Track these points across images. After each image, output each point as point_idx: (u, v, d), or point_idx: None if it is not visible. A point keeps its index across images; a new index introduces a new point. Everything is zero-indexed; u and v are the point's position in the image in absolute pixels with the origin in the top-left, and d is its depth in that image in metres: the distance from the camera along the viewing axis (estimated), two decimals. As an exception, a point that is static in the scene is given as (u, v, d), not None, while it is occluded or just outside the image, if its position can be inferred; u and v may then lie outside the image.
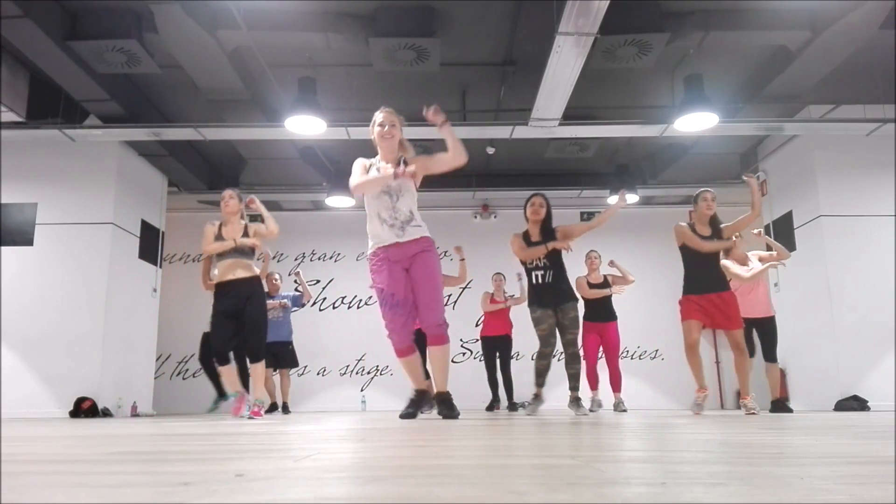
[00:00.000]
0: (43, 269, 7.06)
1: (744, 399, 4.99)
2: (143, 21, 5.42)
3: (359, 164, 3.89)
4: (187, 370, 9.28)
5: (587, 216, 9.89)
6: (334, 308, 9.67)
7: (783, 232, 7.87)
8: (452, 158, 3.81)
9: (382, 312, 3.79)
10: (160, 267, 8.39)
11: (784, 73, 6.13)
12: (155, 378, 8.38)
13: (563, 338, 4.90)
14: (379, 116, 3.94)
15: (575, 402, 4.96)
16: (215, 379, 6.65)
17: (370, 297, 9.45)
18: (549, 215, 5.05)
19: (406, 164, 3.83)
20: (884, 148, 7.08)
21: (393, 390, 9.12)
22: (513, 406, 7.41)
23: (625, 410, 6.49)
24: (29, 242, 7.11)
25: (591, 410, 6.53)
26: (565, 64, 5.27)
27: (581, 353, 5.03)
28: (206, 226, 4.99)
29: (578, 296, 6.58)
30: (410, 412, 3.93)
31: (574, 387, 4.96)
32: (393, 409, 8.92)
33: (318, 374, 9.34)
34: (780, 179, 8.00)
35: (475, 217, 9.83)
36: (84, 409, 6.52)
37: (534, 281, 4.94)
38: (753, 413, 4.87)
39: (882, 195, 7.10)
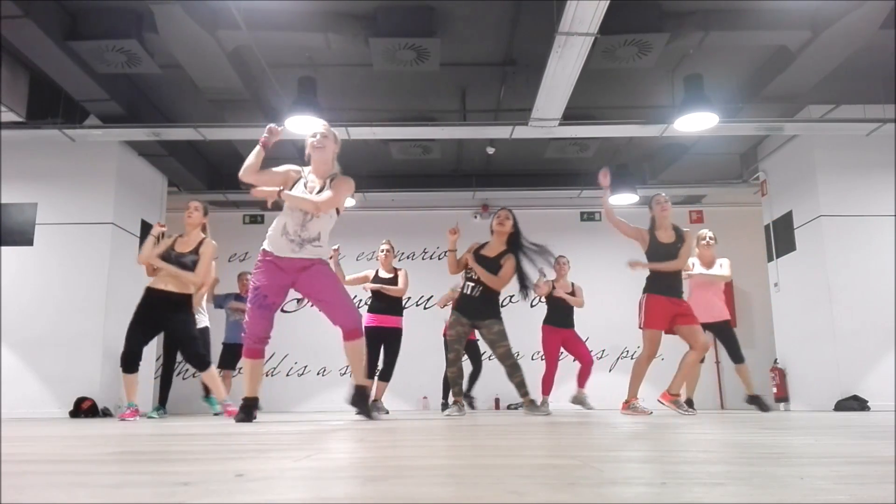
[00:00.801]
0: (43, 269, 7.06)
1: (674, 396, 4.99)
2: (143, 21, 5.42)
3: (285, 167, 3.87)
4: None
5: (587, 216, 9.91)
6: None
7: (783, 232, 7.87)
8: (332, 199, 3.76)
9: (248, 311, 3.73)
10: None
11: (784, 73, 6.13)
12: (155, 378, 8.37)
13: (495, 353, 4.92)
14: (316, 127, 3.96)
15: (531, 405, 4.95)
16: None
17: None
18: (515, 234, 5.06)
19: (332, 182, 3.79)
20: (884, 148, 7.08)
21: (393, 390, 9.10)
22: (469, 402, 7.52)
23: (591, 407, 6.60)
24: (29, 242, 7.11)
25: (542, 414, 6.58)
26: (565, 64, 5.27)
27: (516, 360, 4.95)
28: (151, 235, 5.04)
29: (541, 297, 6.70)
30: (242, 418, 3.73)
31: (524, 393, 4.95)
32: (393, 409, 8.92)
33: (318, 374, 9.34)
34: (780, 179, 8.00)
35: (475, 217, 9.83)
36: (84, 409, 6.52)
37: (464, 289, 5.01)
38: (684, 413, 4.90)
39: (882, 195, 7.10)
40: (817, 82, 6.33)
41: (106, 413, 6.70)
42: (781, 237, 7.91)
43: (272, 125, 3.84)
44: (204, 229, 5.16)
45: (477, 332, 5.19)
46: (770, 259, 8.18)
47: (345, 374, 9.41)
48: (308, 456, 1.40)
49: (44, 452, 1.64)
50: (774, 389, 7.83)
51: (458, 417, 4.74)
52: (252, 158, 3.80)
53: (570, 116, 6.46)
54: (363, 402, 3.91)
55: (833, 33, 5.50)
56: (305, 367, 9.09)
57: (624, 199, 8.86)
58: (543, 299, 6.92)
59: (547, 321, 6.71)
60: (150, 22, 5.35)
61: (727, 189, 9.02)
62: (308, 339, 8.79)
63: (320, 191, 3.74)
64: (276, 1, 5.18)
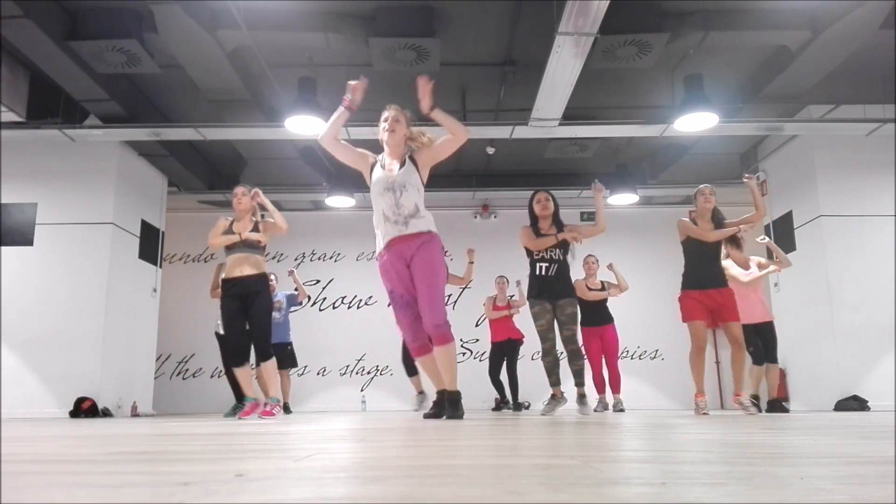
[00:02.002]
0: (43, 269, 7.06)
1: (738, 395, 4.97)
2: (143, 21, 5.42)
3: (363, 151, 3.94)
4: (187, 370, 9.28)
5: (587, 216, 9.90)
6: (334, 308, 9.66)
7: (783, 232, 7.87)
8: (454, 139, 3.76)
9: (395, 315, 3.79)
10: (160, 267, 8.39)
11: (784, 73, 6.13)
12: (155, 378, 8.39)
13: (562, 334, 4.88)
14: (385, 113, 3.95)
15: (581, 398, 4.93)
16: (235, 384, 6.64)
17: (370, 297, 9.45)
18: (556, 210, 5.09)
19: (413, 160, 3.80)
20: (884, 148, 7.08)
21: (393, 390, 9.13)
22: (517, 406, 7.44)
23: (622, 410, 6.50)
24: (29, 242, 7.11)
25: (595, 411, 6.54)
26: (565, 64, 5.27)
27: (580, 347, 5.00)
28: (219, 219, 4.99)
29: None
30: (434, 413, 3.91)
31: (579, 382, 4.94)
32: (393, 409, 8.93)
33: (318, 374, 9.34)
34: (780, 179, 8.00)
35: (475, 217, 9.83)
36: (84, 409, 6.52)
37: (537, 272, 4.92)
38: (750, 413, 4.87)
39: (882, 195, 7.10)
40: (817, 82, 6.33)
41: (106, 413, 6.70)
42: (781, 237, 7.91)
43: (354, 82, 3.84)
44: (254, 213, 5.11)
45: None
46: (770, 259, 8.17)
47: (345, 373, 9.41)
48: (308, 456, 1.40)
49: (44, 452, 1.64)
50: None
51: (552, 413, 4.78)
52: (333, 122, 3.83)
53: (570, 116, 6.46)
54: (453, 408, 3.80)
55: (833, 33, 5.50)
56: (305, 367, 9.09)
57: (624, 199, 8.86)
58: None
59: (584, 323, 6.56)
60: (150, 22, 5.35)
61: (727, 189, 9.01)
62: (308, 339, 8.79)
63: (401, 167, 3.76)
64: (276, 1, 5.18)
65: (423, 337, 3.77)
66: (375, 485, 0.94)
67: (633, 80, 6.69)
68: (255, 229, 4.95)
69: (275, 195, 9.03)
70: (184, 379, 9.28)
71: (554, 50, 5.06)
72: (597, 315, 6.65)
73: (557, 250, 4.91)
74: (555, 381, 4.92)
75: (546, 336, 4.87)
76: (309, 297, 9.18)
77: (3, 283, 6.94)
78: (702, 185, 5.28)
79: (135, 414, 7.27)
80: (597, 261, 6.85)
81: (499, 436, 2.19)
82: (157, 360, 8.67)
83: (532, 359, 8.88)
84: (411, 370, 6.32)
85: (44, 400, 6.73)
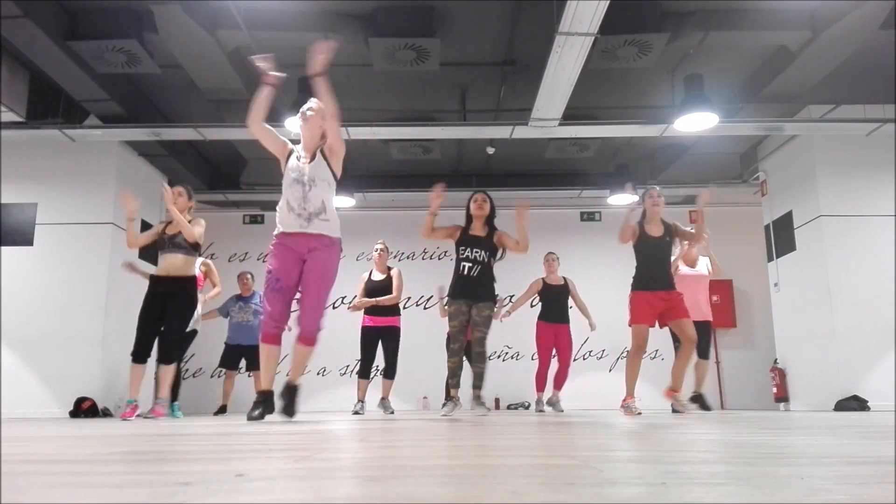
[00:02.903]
0: (43, 269, 7.06)
1: (675, 392, 5.02)
2: (143, 21, 5.42)
3: (286, 140, 3.89)
4: (187, 370, 9.27)
5: (587, 216, 9.91)
6: (334, 308, 9.65)
7: (783, 232, 7.87)
8: (329, 117, 3.72)
9: (265, 295, 3.70)
10: (160, 267, 8.38)
11: (784, 73, 6.13)
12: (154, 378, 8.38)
13: (473, 334, 4.81)
14: (305, 105, 3.88)
15: (477, 399, 4.87)
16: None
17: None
18: (492, 212, 5.06)
19: (323, 153, 3.76)
20: (884, 148, 7.09)
21: (393, 390, 9.11)
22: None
23: (561, 411, 6.46)
24: (29, 242, 7.11)
25: (538, 411, 6.57)
26: (565, 64, 5.27)
27: (486, 351, 4.88)
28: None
29: (534, 293, 6.72)
30: (256, 415, 3.66)
31: (478, 385, 4.86)
32: (393, 409, 8.92)
33: (318, 374, 9.34)
34: (780, 179, 8.00)
35: (475, 217, 9.82)
36: (84, 409, 6.52)
37: (460, 271, 4.88)
38: (682, 412, 4.93)
39: (882, 195, 7.10)
40: (817, 82, 6.33)
41: (106, 413, 6.70)
42: (781, 237, 7.91)
43: (256, 56, 3.81)
44: (189, 213, 5.12)
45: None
46: (770, 259, 8.18)
47: (345, 373, 9.41)
48: (308, 456, 1.40)
49: (44, 452, 1.64)
50: (774, 389, 7.83)
51: (457, 416, 4.72)
52: (258, 104, 3.79)
53: (570, 116, 6.46)
54: (290, 401, 3.76)
55: (833, 33, 5.50)
56: (305, 366, 9.07)
57: (624, 199, 8.86)
58: (537, 299, 6.89)
59: (541, 317, 6.70)
60: (150, 22, 5.35)
61: (727, 189, 9.02)
62: (308, 339, 8.78)
63: (311, 161, 3.72)
64: (276, 1, 5.18)
65: (280, 327, 3.69)
66: (375, 485, 0.94)
67: (633, 80, 6.69)
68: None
69: (275, 195, 9.04)
70: (183, 379, 9.27)
71: (554, 50, 5.06)
72: (554, 312, 6.64)
73: (483, 252, 4.85)
74: (455, 383, 4.88)
75: (457, 337, 4.82)
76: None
77: (3, 283, 6.94)
78: (650, 188, 5.29)
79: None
80: (557, 258, 6.81)
81: (499, 436, 2.19)
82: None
83: (532, 359, 8.89)
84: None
85: (44, 400, 6.73)
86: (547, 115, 6.32)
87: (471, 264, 4.84)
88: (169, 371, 5.01)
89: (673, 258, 5.57)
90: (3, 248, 7.04)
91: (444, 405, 4.96)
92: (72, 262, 7.10)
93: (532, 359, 8.61)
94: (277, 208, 3.76)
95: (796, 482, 0.92)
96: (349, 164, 4.10)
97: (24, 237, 7.11)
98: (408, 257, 9.49)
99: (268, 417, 3.73)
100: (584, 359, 9.19)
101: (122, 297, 7.43)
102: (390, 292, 6.20)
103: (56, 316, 6.94)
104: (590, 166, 8.95)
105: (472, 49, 6.18)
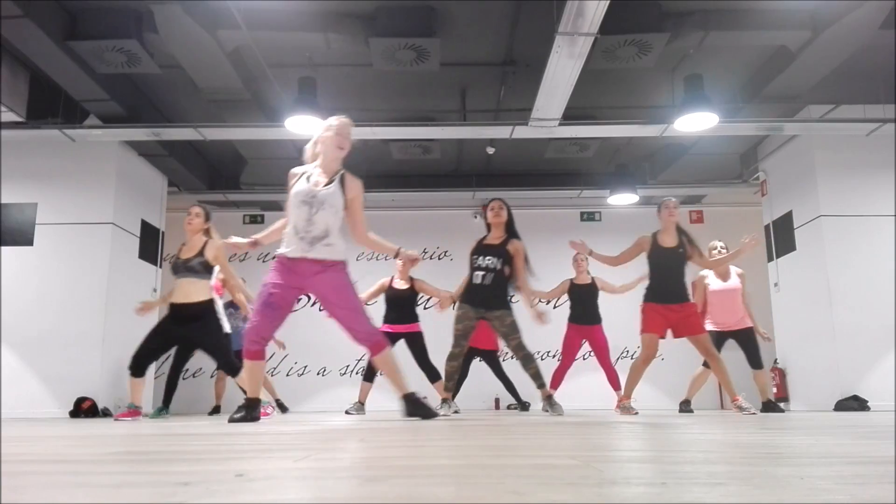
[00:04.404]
0: (43, 269, 7.06)
1: (735, 400, 5.01)
2: (143, 21, 5.42)
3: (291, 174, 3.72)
4: (187, 370, 9.24)
5: (587, 216, 9.91)
6: (334, 308, 9.65)
7: (783, 232, 7.87)
8: (356, 233, 3.78)
9: (255, 308, 3.57)
10: (160, 267, 8.38)
11: (784, 73, 6.13)
12: (155, 378, 8.38)
13: (509, 345, 4.81)
14: (335, 122, 3.71)
15: (548, 400, 4.88)
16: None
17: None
18: (510, 218, 5.01)
19: (343, 183, 3.63)
20: (884, 148, 7.08)
21: (393, 390, 9.11)
22: (523, 406, 7.46)
23: (637, 413, 6.28)
24: (29, 242, 7.11)
25: (544, 410, 6.50)
26: (565, 64, 5.27)
27: (529, 351, 4.86)
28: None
29: (554, 296, 6.74)
30: (237, 418, 3.64)
31: (540, 385, 4.86)
32: (393, 409, 8.91)
33: (318, 374, 9.34)
34: (780, 179, 8.00)
35: (475, 217, 9.82)
36: (84, 409, 6.52)
37: (473, 280, 4.85)
38: (752, 413, 4.90)
39: (882, 195, 7.10)
40: (817, 82, 6.33)
41: (106, 413, 6.70)
42: (781, 237, 7.91)
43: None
44: (207, 233, 5.09)
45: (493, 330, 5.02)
46: (770, 259, 8.18)
47: (345, 373, 9.41)
48: (308, 456, 1.40)
49: (44, 452, 1.64)
50: (774, 389, 7.83)
51: (454, 417, 4.72)
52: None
53: (570, 116, 6.46)
54: (419, 408, 3.78)
55: (833, 33, 5.50)
56: (305, 366, 9.09)
57: (624, 200, 8.86)
58: (567, 297, 6.84)
59: (571, 319, 6.58)
60: (150, 22, 5.35)
61: (727, 189, 9.02)
62: (308, 338, 8.79)
63: (327, 184, 3.57)
64: (276, 1, 5.18)
65: (264, 343, 3.61)
66: (375, 485, 0.94)
67: (633, 80, 6.69)
68: (200, 254, 4.91)
69: (275, 195, 9.04)
70: (183, 379, 9.23)
71: (554, 50, 5.06)
72: (583, 313, 6.58)
73: (495, 259, 4.81)
74: (451, 385, 4.90)
75: (458, 342, 4.81)
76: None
77: (3, 283, 6.94)
78: (666, 199, 5.28)
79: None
80: (587, 258, 6.78)
81: (499, 436, 2.19)
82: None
83: (542, 358, 8.88)
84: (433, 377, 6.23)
85: (44, 400, 6.72)
86: (547, 115, 6.32)
87: (483, 272, 4.81)
88: (242, 377, 4.97)
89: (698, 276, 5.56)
90: (3, 248, 7.03)
91: (439, 407, 4.95)
92: (72, 262, 7.09)
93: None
94: (284, 232, 3.65)
95: (796, 482, 0.92)
96: (349, 164, 4.08)
97: (24, 237, 7.11)
98: (408, 257, 9.49)
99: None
100: (583, 359, 9.18)
101: (123, 297, 7.43)
102: (413, 301, 6.19)
103: (56, 316, 6.93)
104: (590, 166, 8.95)
105: (472, 49, 6.18)
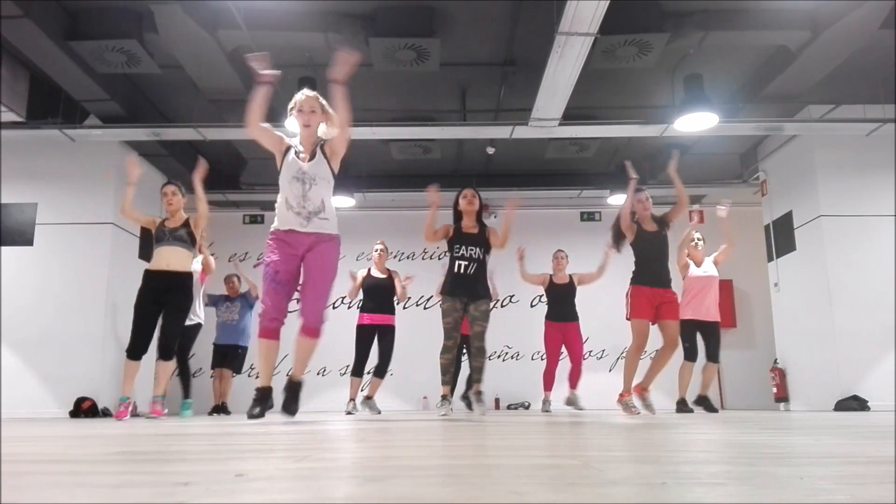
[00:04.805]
0: (43, 269, 7.06)
1: (643, 391, 5.02)
2: (143, 21, 5.42)
3: (282, 135, 3.82)
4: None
5: (587, 216, 9.91)
6: (334, 308, 9.65)
7: (783, 232, 7.87)
8: (341, 130, 3.69)
9: (262, 287, 3.64)
10: (160, 267, 8.38)
11: (784, 73, 6.13)
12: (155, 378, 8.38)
13: (472, 328, 4.81)
14: (299, 97, 3.79)
15: (477, 395, 4.87)
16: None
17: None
18: (481, 207, 5.07)
19: (323, 151, 3.71)
20: (884, 148, 7.08)
21: (393, 390, 9.12)
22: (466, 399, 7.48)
23: (581, 408, 6.42)
24: (29, 242, 7.11)
25: (544, 411, 6.54)
26: (565, 64, 5.27)
27: (485, 345, 4.89)
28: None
29: (542, 290, 6.71)
30: (256, 412, 3.59)
31: (477, 379, 4.87)
32: (393, 409, 8.92)
33: (318, 374, 9.34)
34: (780, 179, 8.00)
35: (475, 217, 9.82)
36: (84, 409, 6.52)
37: (455, 269, 4.85)
38: (636, 412, 4.93)
39: (882, 195, 7.10)
40: (817, 82, 6.33)
41: (106, 413, 6.71)
42: (781, 237, 7.91)
43: (250, 55, 3.78)
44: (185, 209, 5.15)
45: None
46: (770, 259, 8.18)
47: (345, 373, 9.41)
48: (308, 456, 1.40)
49: (44, 452, 1.64)
50: (774, 389, 7.83)
51: (454, 417, 4.72)
52: (256, 101, 3.75)
53: (570, 116, 6.46)
54: (292, 397, 3.72)
55: (833, 33, 5.50)
56: (308, 362, 9.07)
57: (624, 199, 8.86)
58: (544, 297, 6.88)
59: (548, 316, 6.65)
60: (150, 22, 5.35)
61: (727, 189, 9.02)
62: (308, 339, 8.78)
63: (310, 159, 3.66)
64: (276, 1, 5.18)
65: (279, 320, 3.63)
66: (375, 485, 0.94)
67: (633, 80, 6.69)
68: (186, 225, 5.03)
69: (275, 195, 9.04)
70: (184, 379, 9.27)
71: (554, 50, 5.06)
72: (561, 311, 6.59)
73: (478, 249, 4.85)
74: (447, 380, 4.87)
75: (451, 334, 4.80)
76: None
77: (2, 283, 6.94)
78: (640, 191, 5.33)
79: (134, 414, 7.26)
80: (566, 255, 6.78)
81: (499, 436, 2.19)
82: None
83: (532, 359, 8.89)
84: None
85: (44, 400, 6.73)
86: (547, 115, 6.32)
87: (466, 262, 4.83)
88: (167, 367, 5.00)
89: (679, 257, 5.63)
90: (3, 248, 7.04)
91: (439, 405, 4.95)
92: (72, 262, 7.09)
93: (532, 359, 8.63)
94: (276, 205, 3.72)
95: (796, 482, 0.92)
96: (349, 164, 4.10)
97: (24, 237, 7.11)
98: (408, 257, 9.49)
99: (268, 415, 3.71)
100: (584, 358, 9.19)
101: (123, 297, 7.43)
102: (392, 290, 6.20)
103: (56, 316, 6.93)
104: (590, 166, 8.95)
105: (472, 49, 6.18)
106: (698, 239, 6.20)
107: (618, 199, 8.86)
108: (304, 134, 3.75)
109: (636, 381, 5.16)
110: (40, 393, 6.74)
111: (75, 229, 7.19)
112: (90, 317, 6.99)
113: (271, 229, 3.70)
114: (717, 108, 6.18)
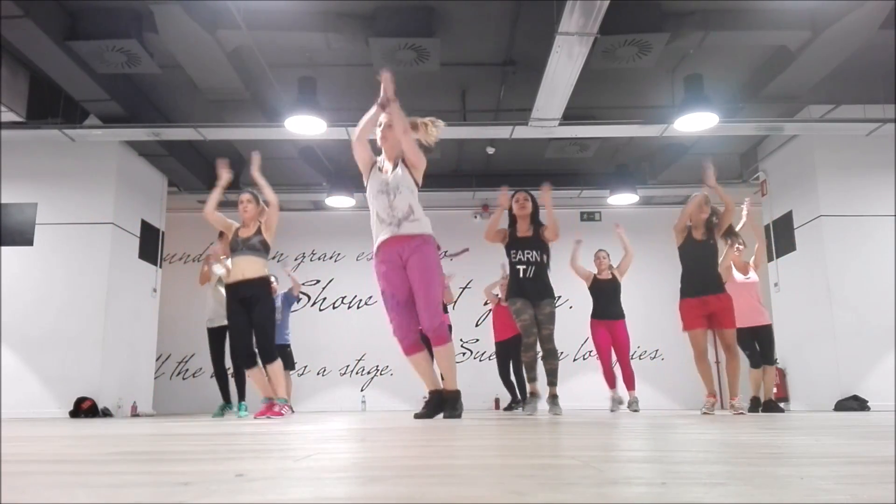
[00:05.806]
0: (43, 269, 7.06)
1: (732, 400, 5.03)
2: (143, 21, 5.42)
3: (370, 153, 3.96)
4: (187, 370, 9.28)
5: (587, 216, 9.90)
6: (334, 308, 9.66)
7: (783, 232, 7.87)
8: (404, 140, 3.86)
9: (388, 315, 3.85)
10: (160, 267, 8.39)
11: (784, 73, 6.13)
12: (155, 378, 8.39)
13: (540, 333, 4.89)
14: (381, 116, 3.97)
15: (553, 398, 4.90)
16: (223, 383, 6.73)
17: (370, 297, 9.45)
18: (536, 210, 5.14)
19: (405, 162, 3.86)
20: (884, 148, 7.09)
21: (393, 390, 9.13)
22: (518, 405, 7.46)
23: (637, 410, 6.29)
24: (29, 242, 7.11)
25: (611, 410, 6.48)
26: (565, 64, 5.27)
27: (555, 347, 4.96)
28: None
29: (586, 287, 6.65)
30: (425, 413, 3.89)
31: (552, 382, 4.92)
32: (393, 409, 8.93)
33: (318, 374, 9.34)
34: (780, 179, 8.00)
35: (475, 217, 9.83)
36: (84, 409, 6.52)
37: (519, 274, 4.94)
38: (741, 413, 4.92)
39: (882, 195, 7.10)
40: (817, 82, 6.33)
41: (106, 413, 6.70)
42: (781, 237, 7.91)
43: (385, 74, 3.94)
44: (262, 215, 5.12)
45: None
46: (770, 259, 8.17)
47: (345, 373, 9.41)
48: (308, 456, 1.40)
49: (44, 452, 1.64)
50: (774, 389, 7.83)
51: (535, 412, 4.76)
52: (366, 122, 3.90)
53: (570, 116, 6.46)
54: (451, 407, 3.86)
55: (833, 33, 5.50)
56: (305, 367, 9.09)
57: (624, 199, 8.88)
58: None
59: (594, 315, 6.57)
60: (150, 22, 5.35)
61: (727, 189, 8.99)
62: (308, 339, 8.79)
63: (393, 170, 3.82)
64: (276, 1, 5.18)
65: (413, 335, 3.83)
66: (375, 485, 0.94)
67: (633, 80, 6.69)
68: (259, 233, 5.00)
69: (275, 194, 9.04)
70: (184, 379, 9.28)
71: (554, 50, 5.06)
72: (607, 308, 6.53)
73: (534, 252, 4.93)
74: (533, 376, 4.95)
75: (529, 331, 4.87)
76: (308, 297, 9.21)
77: (3, 283, 6.94)
78: (696, 194, 5.32)
79: (135, 414, 7.27)
80: (608, 255, 6.76)
81: (499, 436, 2.19)
82: (157, 360, 8.67)
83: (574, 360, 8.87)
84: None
85: (44, 400, 6.73)
86: (547, 115, 6.32)
87: (525, 266, 4.93)
88: (275, 369, 4.96)
89: (722, 263, 5.56)
90: (3, 248, 7.04)
91: (526, 404, 4.97)
92: (72, 262, 7.10)
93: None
94: (372, 226, 3.86)
95: (796, 482, 0.92)
96: (349, 163, 4.11)
97: (24, 237, 7.11)
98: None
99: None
100: (584, 359, 9.20)
101: (123, 297, 7.43)
102: None
103: (56, 316, 6.93)
104: (590, 166, 8.94)
105: (472, 49, 6.18)
106: (739, 244, 6.11)
107: (618, 199, 8.87)
108: (385, 149, 3.91)
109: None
110: (40, 393, 6.74)
111: (75, 229, 7.19)
112: (90, 317, 6.99)
113: (373, 249, 3.85)
114: (717, 108, 6.18)
